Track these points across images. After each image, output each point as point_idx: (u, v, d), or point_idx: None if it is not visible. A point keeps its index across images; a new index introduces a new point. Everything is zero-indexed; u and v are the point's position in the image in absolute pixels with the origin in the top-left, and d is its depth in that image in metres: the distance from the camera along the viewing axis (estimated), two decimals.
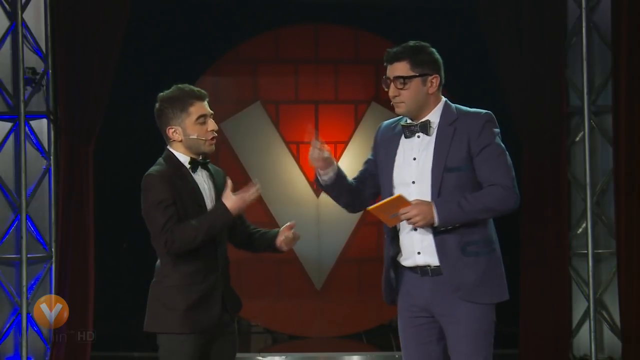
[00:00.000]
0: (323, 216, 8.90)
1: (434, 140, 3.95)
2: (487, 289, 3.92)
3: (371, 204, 4.05)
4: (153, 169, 4.11)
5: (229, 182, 4.14)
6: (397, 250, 4.04)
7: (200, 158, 4.18)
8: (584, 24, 7.46)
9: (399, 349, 8.28)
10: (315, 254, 8.86)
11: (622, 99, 7.20)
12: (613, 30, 7.29)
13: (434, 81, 3.97)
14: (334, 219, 8.88)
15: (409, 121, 4.02)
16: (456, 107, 4.02)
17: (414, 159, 3.98)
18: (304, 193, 8.90)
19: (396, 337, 8.91)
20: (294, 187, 8.91)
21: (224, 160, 8.86)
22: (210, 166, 4.26)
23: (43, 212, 7.60)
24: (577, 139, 7.60)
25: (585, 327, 7.50)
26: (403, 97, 3.97)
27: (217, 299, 4.15)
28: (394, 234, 4.04)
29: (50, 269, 7.54)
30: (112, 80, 7.42)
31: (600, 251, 7.53)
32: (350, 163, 8.91)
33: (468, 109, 4.02)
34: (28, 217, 7.50)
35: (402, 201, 3.84)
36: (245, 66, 8.91)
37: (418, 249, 3.96)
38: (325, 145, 4.12)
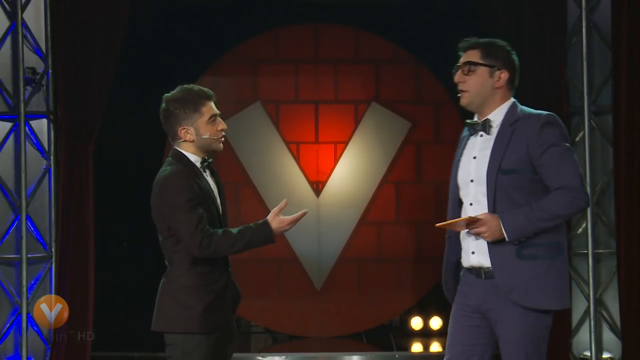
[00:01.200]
0: (323, 216, 8.90)
1: (493, 140, 3.91)
2: (543, 294, 3.85)
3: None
4: (169, 169, 4.12)
5: (284, 203, 4.14)
6: (460, 251, 4.02)
7: (207, 157, 4.21)
8: (584, 24, 7.46)
9: (399, 349, 8.32)
10: (315, 254, 8.86)
11: (622, 99, 7.20)
12: (613, 30, 7.29)
13: (502, 76, 3.93)
14: (334, 219, 8.88)
15: (473, 119, 3.99)
16: (521, 109, 3.96)
17: (474, 157, 3.95)
18: (304, 193, 8.89)
19: (396, 337, 8.94)
20: (294, 187, 8.91)
21: (224, 160, 8.86)
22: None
23: (43, 212, 7.60)
24: (577, 139, 7.60)
25: (585, 327, 7.50)
26: (467, 85, 3.93)
27: (228, 298, 4.21)
28: (457, 233, 4.01)
29: (50, 269, 7.53)
30: (112, 80, 7.42)
31: (600, 251, 7.53)
32: (350, 163, 8.93)
33: (532, 110, 3.96)
34: (28, 217, 7.50)
35: (471, 219, 3.82)
36: (245, 66, 8.91)
37: (472, 248, 3.93)
38: None
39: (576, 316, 7.55)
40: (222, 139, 4.22)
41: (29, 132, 7.54)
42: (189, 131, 4.14)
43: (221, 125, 4.20)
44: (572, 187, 3.81)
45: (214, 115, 4.17)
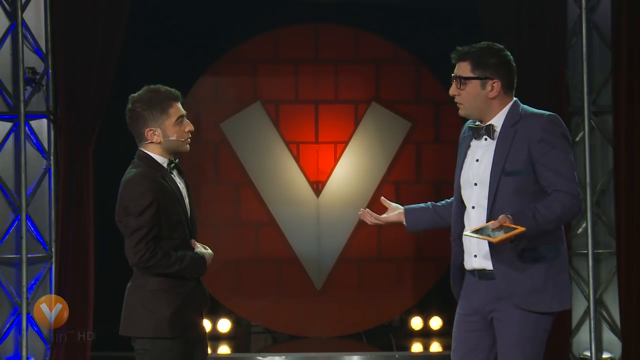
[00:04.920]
0: (323, 216, 8.90)
1: (495, 142, 3.90)
2: (545, 297, 3.84)
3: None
4: (134, 171, 4.09)
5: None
6: (463, 252, 4.01)
7: (174, 158, 4.18)
8: (584, 24, 7.46)
9: (399, 349, 8.32)
10: (315, 254, 8.85)
11: (622, 99, 7.20)
12: (613, 30, 7.29)
13: (495, 86, 3.90)
14: (334, 219, 8.87)
15: (477, 123, 3.97)
16: (523, 109, 3.94)
17: (477, 160, 3.93)
18: (304, 193, 8.89)
19: (396, 337, 8.94)
20: (294, 187, 8.91)
21: (224, 160, 8.86)
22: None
23: (43, 212, 7.60)
24: (577, 139, 7.60)
25: (585, 327, 7.50)
26: (461, 98, 3.93)
27: (197, 301, 4.15)
28: (459, 236, 4.00)
29: (50, 269, 7.53)
30: (112, 80, 7.42)
31: (600, 251, 7.52)
32: (350, 163, 8.93)
33: (534, 110, 3.95)
34: (28, 217, 7.50)
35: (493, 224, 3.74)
36: (245, 66, 8.91)
37: (475, 252, 3.92)
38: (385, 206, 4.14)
39: (576, 316, 7.55)
40: (189, 140, 4.17)
41: (29, 132, 7.54)
42: (156, 132, 4.09)
43: (188, 126, 4.14)
44: (573, 192, 3.80)
45: (181, 117, 4.12)
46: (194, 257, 4.09)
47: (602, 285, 7.52)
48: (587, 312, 7.48)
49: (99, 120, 7.45)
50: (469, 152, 3.98)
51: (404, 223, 4.18)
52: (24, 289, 7.41)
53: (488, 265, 3.88)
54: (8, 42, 7.51)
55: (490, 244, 3.77)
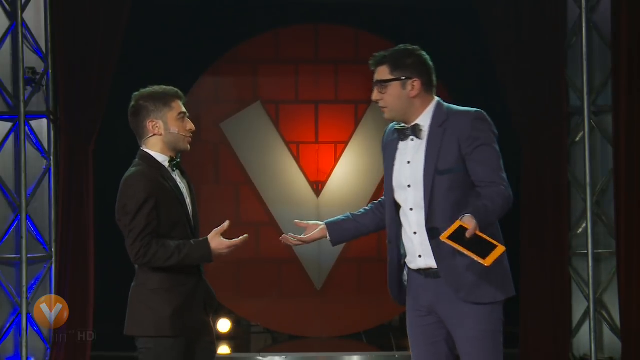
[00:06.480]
0: (323, 216, 8.88)
1: (425, 142, 3.92)
2: (490, 288, 3.88)
3: None
4: (133, 170, 4.10)
5: (226, 224, 4.11)
6: (404, 252, 4.02)
7: (174, 156, 4.18)
8: (584, 24, 7.47)
9: (399, 349, 8.33)
10: (315, 254, 8.86)
11: (622, 99, 7.21)
12: (613, 30, 7.30)
13: (415, 84, 3.94)
14: None
15: (402, 125, 4.00)
16: (447, 108, 3.97)
17: (408, 162, 3.96)
18: (304, 193, 8.90)
19: (396, 337, 8.94)
20: (294, 187, 8.91)
21: (224, 160, 8.86)
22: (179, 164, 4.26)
23: (43, 212, 7.60)
24: (577, 139, 7.61)
25: (585, 327, 7.50)
26: (385, 102, 3.98)
27: (199, 299, 4.14)
28: (398, 236, 4.02)
29: (50, 269, 7.54)
30: (112, 80, 7.42)
31: (600, 251, 7.53)
32: (350, 163, 8.93)
33: (459, 108, 3.97)
34: (28, 217, 7.50)
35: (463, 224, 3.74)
36: (245, 66, 8.91)
37: (419, 252, 3.94)
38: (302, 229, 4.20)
39: (576, 316, 7.56)
40: (190, 139, 4.18)
41: (29, 132, 7.54)
42: (158, 124, 4.11)
43: (189, 125, 4.16)
44: (505, 184, 3.85)
45: (183, 113, 4.15)
46: (193, 244, 4.07)
47: (602, 285, 7.52)
48: (587, 312, 7.48)
49: (99, 120, 7.45)
50: (398, 155, 4.00)
51: (328, 238, 4.30)
52: (24, 289, 7.41)
53: (433, 263, 3.92)
54: (8, 42, 7.51)
55: (435, 245, 3.82)
